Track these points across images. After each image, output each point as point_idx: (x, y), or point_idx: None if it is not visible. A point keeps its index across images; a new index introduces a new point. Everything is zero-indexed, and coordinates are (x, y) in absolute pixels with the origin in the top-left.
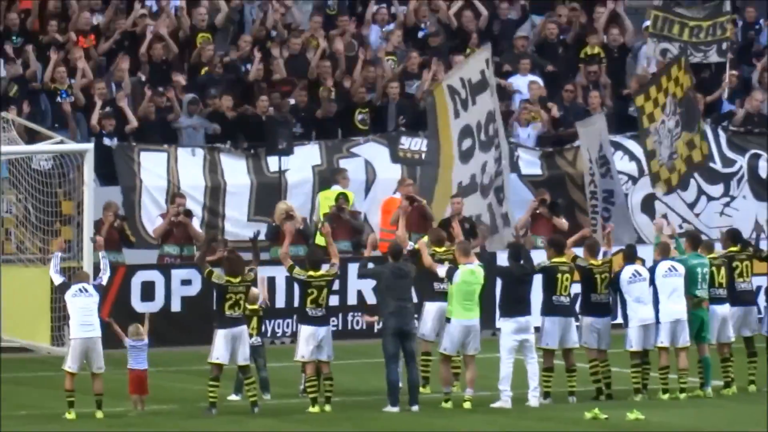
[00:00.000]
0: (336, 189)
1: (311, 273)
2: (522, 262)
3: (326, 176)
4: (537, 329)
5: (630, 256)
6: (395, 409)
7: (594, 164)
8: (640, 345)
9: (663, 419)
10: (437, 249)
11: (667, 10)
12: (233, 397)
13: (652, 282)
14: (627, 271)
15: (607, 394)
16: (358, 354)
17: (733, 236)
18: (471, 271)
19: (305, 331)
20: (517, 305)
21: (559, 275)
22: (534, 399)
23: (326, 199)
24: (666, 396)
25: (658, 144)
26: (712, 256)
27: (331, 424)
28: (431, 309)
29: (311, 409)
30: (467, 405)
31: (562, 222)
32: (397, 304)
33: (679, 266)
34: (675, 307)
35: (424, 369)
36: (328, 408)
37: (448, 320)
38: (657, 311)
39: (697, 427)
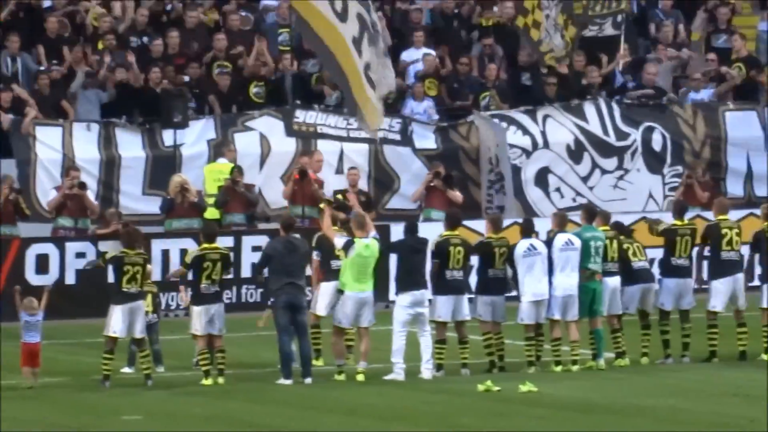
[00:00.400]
0: (222, 162)
1: (205, 246)
2: (414, 236)
3: (221, 150)
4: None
5: (527, 230)
6: (288, 382)
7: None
8: (532, 319)
9: (555, 391)
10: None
11: None
12: (126, 370)
13: (549, 255)
14: (522, 245)
15: (500, 367)
16: (251, 327)
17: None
18: (366, 245)
19: (197, 308)
20: (413, 278)
21: (451, 248)
22: (427, 371)
23: (211, 173)
24: (558, 368)
25: (549, 39)
26: (605, 228)
27: (224, 397)
28: (327, 287)
29: (204, 382)
30: (360, 377)
31: (457, 195)
32: (288, 280)
33: (576, 240)
34: (569, 281)
35: (316, 342)
36: (221, 380)
37: (341, 292)
38: (551, 284)
39: (589, 399)
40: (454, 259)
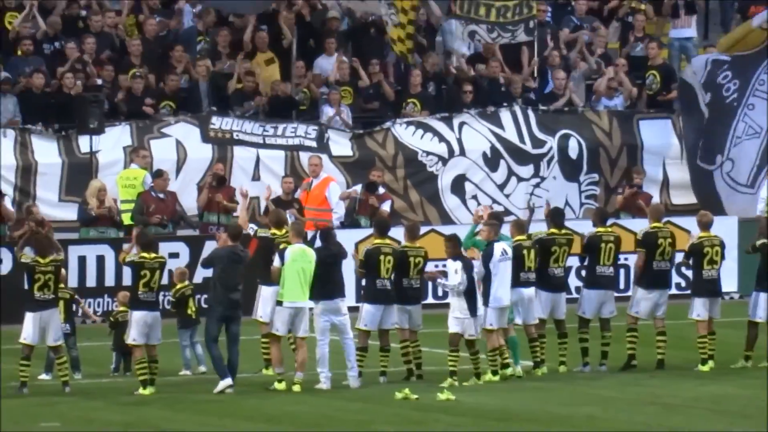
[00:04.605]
0: (134, 168)
1: (144, 255)
2: (329, 245)
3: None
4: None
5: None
6: (228, 380)
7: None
8: (498, 324)
9: (473, 399)
10: (277, 231)
11: None
12: (44, 377)
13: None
14: (498, 248)
15: (417, 375)
16: (170, 334)
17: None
18: (302, 252)
19: (137, 315)
20: (325, 288)
21: (381, 257)
22: (353, 379)
23: (122, 179)
24: (479, 379)
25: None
26: (521, 238)
27: (142, 404)
28: (268, 292)
29: (141, 391)
30: (297, 388)
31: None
32: (226, 294)
33: (509, 249)
34: (505, 291)
35: (265, 351)
36: (150, 390)
37: (279, 303)
38: (489, 294)
39: (507, 407)
40: (384, 267)
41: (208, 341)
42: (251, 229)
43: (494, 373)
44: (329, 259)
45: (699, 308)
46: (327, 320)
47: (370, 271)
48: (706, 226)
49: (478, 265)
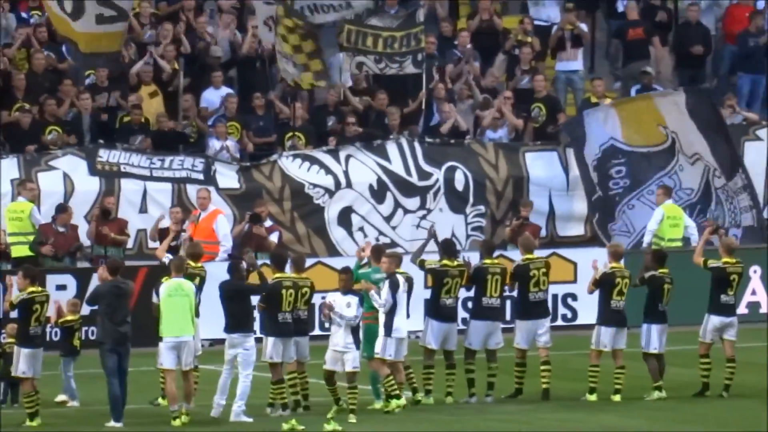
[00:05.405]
0: (21, 201)
1: (33, 290)
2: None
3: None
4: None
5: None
6: (119, 424)
7: None
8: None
9: (360, 429)
10: (192, 263)
11: (359, 23)
12: None
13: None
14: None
15: (305, 406)
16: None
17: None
18: (178, 285)
19: (26, 351)
20: (231, 320)
21: (284, 291)
22: (235, 412)
23: (9, 212)
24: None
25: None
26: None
27: None
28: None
29: (29, 423)
30: (184, 419)
31: (262, 231)
32: (115, 328)
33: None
34: (403, 321)
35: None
36: (37, 421)
37: (160, 339)
38: (390, 325)
39: None
40: (286, 301)
41: (108, 376)
42: (166, 258)
43: (397, 397)
44: (232, 293)
45: (605, 338)
46: (230, 353)
47: (272, 305)
48: (616, 256)
49: (385, 296)
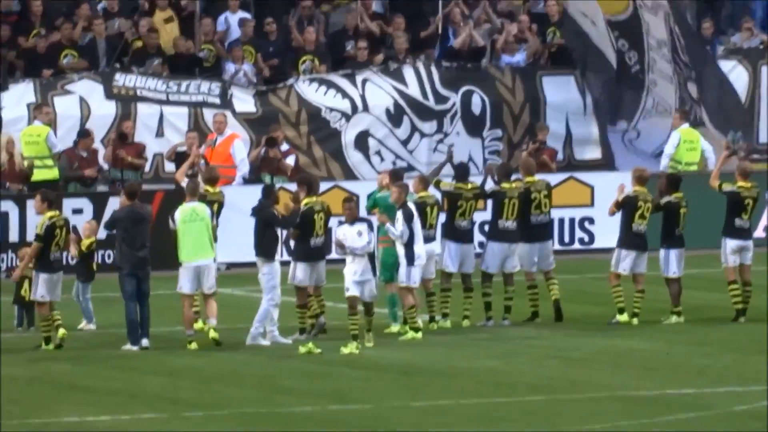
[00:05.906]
0: (37, 125)
1: (52, 214)
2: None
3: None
4: None
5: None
6: (135, 348)
7: None
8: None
9: (377, 353)
10: (210, 188)
11: None
12: None
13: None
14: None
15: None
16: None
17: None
18: (192, 210)
19: (45, 275)
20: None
21: (315, 216)
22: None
23: (25, 136)
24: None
25: None
26: (424, 194)
27: (48, 359)
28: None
29: (45, 347)
30: (213, 334)
31: (278, 154)
32: (133, 253)
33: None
34: (422, 249)
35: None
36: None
37: (180, 264)
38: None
39: (411, 361)
40: (318, 225)
41: (126, 300)
42: (185, 182)
43: (416, 330)
44: (265, 218)
45: (625, 261)
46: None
47: (305, 231)
48: (641, 180)
49: (401, 228)
